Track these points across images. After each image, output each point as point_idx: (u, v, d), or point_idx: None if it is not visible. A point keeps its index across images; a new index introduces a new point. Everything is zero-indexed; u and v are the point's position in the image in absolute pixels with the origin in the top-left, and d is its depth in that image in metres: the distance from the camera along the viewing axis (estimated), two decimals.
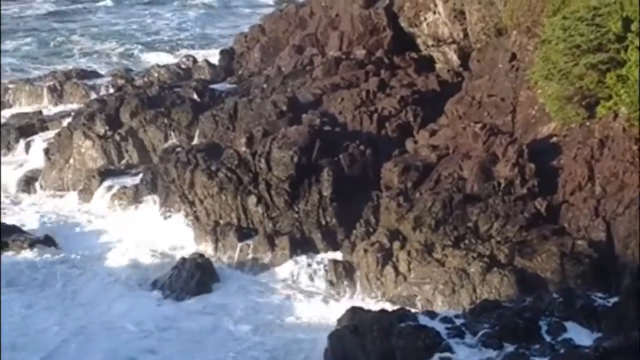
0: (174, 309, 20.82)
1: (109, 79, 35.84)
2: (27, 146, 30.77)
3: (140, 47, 47.28)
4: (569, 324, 16.89)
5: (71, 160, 28.94)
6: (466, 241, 20.11)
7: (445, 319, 17.35)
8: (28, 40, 48.88)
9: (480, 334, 16.58)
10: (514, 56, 24.00)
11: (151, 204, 25.60)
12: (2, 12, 54.07)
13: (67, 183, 28.61)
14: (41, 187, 28.64)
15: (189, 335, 19.68)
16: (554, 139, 21.81)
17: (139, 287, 22.12)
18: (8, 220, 25.44)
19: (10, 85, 36.21)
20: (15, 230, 24.44)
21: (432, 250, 20.22)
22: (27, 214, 26.83)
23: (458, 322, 17.27)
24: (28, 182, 28.76)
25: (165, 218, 24.69)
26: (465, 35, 27.42)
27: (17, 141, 30.93)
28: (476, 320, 17.18)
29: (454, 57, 27.79)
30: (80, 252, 24.05)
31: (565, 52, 20.29)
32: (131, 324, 20.18)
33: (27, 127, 31.66)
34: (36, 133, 31.35)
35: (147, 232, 25.05)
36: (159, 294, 21.57)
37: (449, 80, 27.02)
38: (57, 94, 34.71)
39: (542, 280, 18.89)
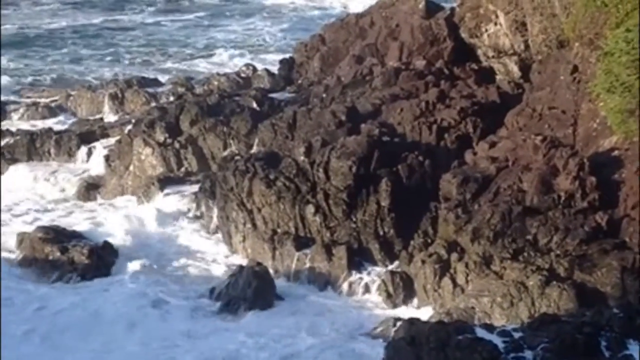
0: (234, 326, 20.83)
1: (170, 87, 36.11)
2: (88, 153, 31.05)
3: (201, 55, 47.72)
4: (629, 340, 16.64)
5: (131, 167, 29.16)
6: (525, 254, 19.94)
7: (503, 333, 17.14)
8: (86, 48, 49.58)
9: (538, 348, 16.37)
10: (575, 68, 23.75)
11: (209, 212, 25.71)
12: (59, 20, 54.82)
13: (126, 190, 28.83)
14: (101, 193, 28.92)
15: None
16: (616, 152, 21.52)
17: (198, 296, 22.22)
18: (68, 225, 25.70)
19: (72, 92, 36.63)
20: (75, 235, 24.67)
21: (491, 262, 20.08)
22: (87, 220, 27.06)
23: (516, 335, 17.05)
24: (88, 189, 29.03)
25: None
26: (527, 46, 27.23)
27: (78, 148, 31.21)
28: (534, 334, 16.95)
29: (514, 69, 27.61)
30: (139, 259, 24.30)
31: (627, 65, 20.01)
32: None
33: (88, 134, 31.94)
34: (97, 140, 31.61)
35: (205, 239, 25.34)
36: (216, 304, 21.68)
37: (510, 92, 26.84)
38: (118, 102, 34.99)
39: (602, 294, 18.67)
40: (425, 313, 20.36)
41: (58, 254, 23.49)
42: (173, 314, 21.49)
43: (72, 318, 21.14)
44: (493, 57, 28.38)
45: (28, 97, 38.02)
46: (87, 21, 57.56)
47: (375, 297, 21.39)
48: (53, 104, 36.12)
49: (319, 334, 20.23)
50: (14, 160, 31.11)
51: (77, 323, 20.90)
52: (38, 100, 36.98)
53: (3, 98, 37.54)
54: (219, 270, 23.70)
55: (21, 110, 35.70)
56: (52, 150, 31.31)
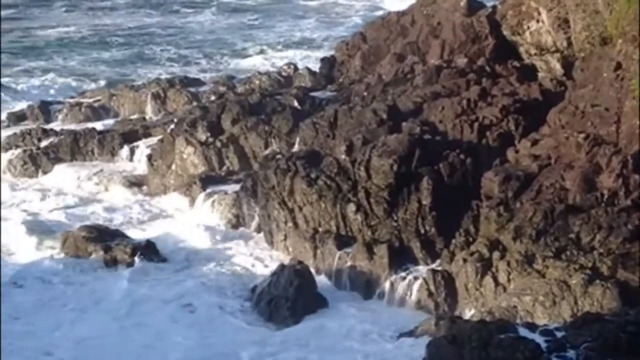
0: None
1: (211, 86, 36.24)
2: (131, 152, 31.27)
3: (241, 54, 47.96)
4: None
5: (173, 166, 29.31)
6: (568, 252, 19.80)
7: (546, 332, 17.05)
8: (130, 48, 49.98)
9: (581, 347, 16.25)
10: (619, 65, 23.51)
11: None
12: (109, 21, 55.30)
13: (169, 188, 28.99)
14: (144, 192, 29.11)
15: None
16: None
17: (237, 296, 22.30)
18: (111, 224, 25.89)
19: (115, 92, 36.88)
20: (118, 234, 24.84)
21: (533, 261, 19.95)
22: (129, 219, 27.25)
23: (559, 334, 16.95)
24: (131, 187, 29.24)
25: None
26: (569, 43, 27.02)
27: (121, 147, 31.44)
28: (577, 333, 16.83)
29: (557, 66, 27.41)
30: (180, 258, 24.44)
31: None
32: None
33: (131, 134, 32.18)
34: (140, 139, 31.83)
35: (245, 239, 25.45)
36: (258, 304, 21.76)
37: (552, 89, 26.62)
38: (161, 101, 35.19)
39: None
40: (466, 311, 20.32)
41: (101, 252, 23.65)
42: (213, 313, 21.60)
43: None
44: (535, 54, 28.19)
45: (72, 98, 38.35)
46: (131, 22, 58.04)
47: (416, 296, 21.30)
48: (96, 104, 36.36)
49: (362, 334, 20.26)
50: (58, 160, 31.39)
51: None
52: (81, 100, 37.25)
53: (49, 99, 38.01)
54: (261, 269, 23.74)
55: (65, 111, 35.99)
56: (96, 150, 31.56)
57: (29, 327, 20.84)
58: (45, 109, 36.22)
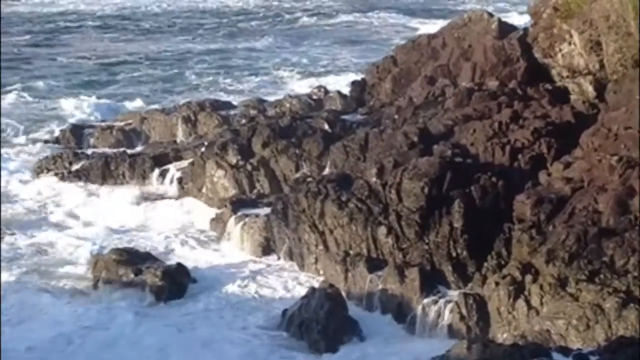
0: None
1: (242, 109, 36.30)
2: (162, 175, 31.34)
3: (273, 77, 48.21)
4: None
5: (204, 189, 29.36)
6: (601, 276, 19.59)
7: (579, 356, 16.93)
8: (160, 71, 50.40)
9: None
10: None
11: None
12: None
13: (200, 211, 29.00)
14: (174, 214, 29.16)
15: None
16: None
17: (271, 318, 22.24)
18: (142, 247, 25.91)
19: (146, 116, 37.03)
20: (148, 257, 24.84)
21: (566, 284, 19.76)
22: (160, 241, 27.27)
23: (593, 359, 16.83)
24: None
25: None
26: (602, 66, 26.88)
27: (152, 170, 31.50)
28: (611, 357, 16.69)
29: (589, 89, 27.26)
30: (210, 281, 24.42)
31: None
32: None
33: (162, 157, 32.24)
34: (170, 162, 31.89)
35: (276, 262, 25.39)
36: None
37: (584, 112, 26.47)
38: (191, 124, 35.27)
39: None
40: (499, 335, 20.14)
41: (132, 275, 23.64)
42: (245, 337, 21.54)
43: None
44: (567, 77, 28.06)
45: (103, 121, 38.57)
46: (161, 47, 58.59)
47: (448, 320, 21.15)
48: (127, 128, 36.52)
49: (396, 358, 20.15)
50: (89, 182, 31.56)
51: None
52: (113, 124, 37.43)
53: (81, 122, 38.30)
54: (292, 292, 23.67)
55: (96, 134, 36.18)
56: (127, 173, 31.63)
57: None
58: (77, 133, 36.43)
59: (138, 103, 42.07)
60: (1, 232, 27.14)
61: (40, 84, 46.86)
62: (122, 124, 37.10)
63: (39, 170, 32.50)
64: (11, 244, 26.73)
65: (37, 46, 59.91)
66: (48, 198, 30.77)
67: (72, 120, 39.21)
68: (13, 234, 27.39)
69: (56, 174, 31.96)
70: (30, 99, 43.76)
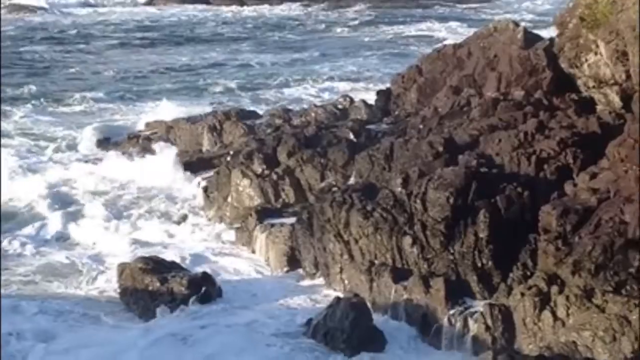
0: None
1: (267, 118, 36.39)
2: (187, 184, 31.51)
3: (298, 87, 48.42)
4: None
5: (229, 199, 29.44)
6: (628, 287, 19.50)
7: None
8: (185, 81, 50.74)
9: None
10: None
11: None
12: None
13: (224, 221, 29.11)
14: (199, 224, 29.24)
15: None
16: None
17: (296, 328, 22.24)
18: (167, 255, 25.99)
19: (172, 124, 37.18)
20: (174, 266, 24.91)
21: (592, 295, 19.68)
22: (185, 250, 27.36)
23: None
24: (186, 218, 29.43)
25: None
26: (628, 76, 26.74)
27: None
28: None
29: (615, 99, 27.15)
30: (236, 290, 24.47)
31: None
32: None
33: (187, 165, 32.38)
34: (196, 171, 32.04)
35: (300, 272, 25.42)
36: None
37: (610, 122, 26.36)
38: (217, 133, 35.38)
39: None
40: (524, 347, 20.08)
41: (158, 284, 23.71)
42: (270, 345, 21.57)
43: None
44: (593, 87, 27.94)
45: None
46: (189, 56, 59.01)
47: (473, 330, 21.11)
48: (153, 137, 36.69)
49: None
50: None
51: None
52: (139, 133, 37.62)
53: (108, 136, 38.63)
54: (317, 302, 23.69)
55: (123, 143, 36.41)
56: None
57: None
58: (104, 143, 36.72)
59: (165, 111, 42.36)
60: (1, 231, 27.28)
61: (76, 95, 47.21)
62: (148, 133, 37.28)
63: None
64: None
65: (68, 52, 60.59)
66: None
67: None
68: None
69: None
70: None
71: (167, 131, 36.62)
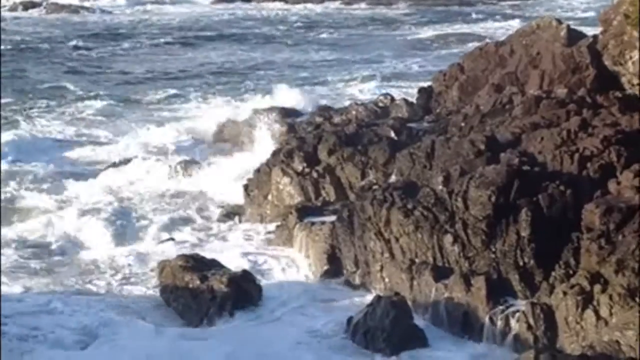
0: None
1: (308, 116, 36.37)
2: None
3: (340, 84, 48.41)
4: None
5: (269, 197, 29.43)
6: None
7: None
8: (225, 80, 51.06)
9: None
10: None
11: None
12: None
13: (265, 219, 29.10)
14: (241, 221, 29.27)
15: None
16: None
17: (336, 326, 22.17)
18: (207, 253, 26.00)
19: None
20: (214, 264, 24.90)
21: (635, 294, 19.44)
22: (227, 249, 27.38)
23: None
24: (228, 216, 29.48)
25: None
26: None
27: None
28: None
29: None
30: (276, 288, 24.45)
31: None
32: None
33: None
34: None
35: (341, 270, 25.35)
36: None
37: None
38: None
39: None
40: (567, 346, 19.90)
41: (198, 282, 23.72)
42: (310, 344, 21.55)
43: None
44: (638, 84, 27.66)
45: None
46: (230, 56, 59.33)
47: (515, 329, 20.94)
48: None
49: None
50: None
51: None
52: None
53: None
54: (358, 300, 23.60)
55: None
56: None
57: None
58: None
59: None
60: (0, 230, 27.50)
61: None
62: None
63: None
64: None
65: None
66: None
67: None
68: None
69: None
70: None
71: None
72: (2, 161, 35.13)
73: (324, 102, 40.75)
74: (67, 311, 23.08)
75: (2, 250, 26.52)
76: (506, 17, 77.30)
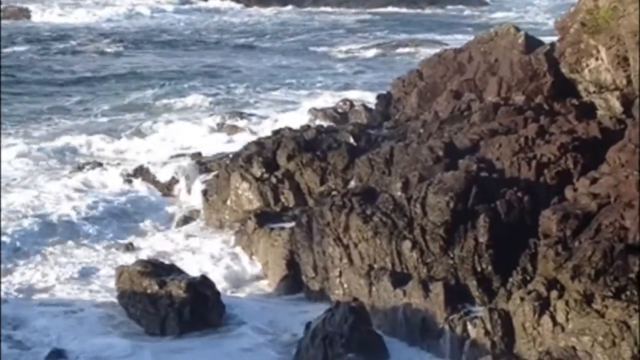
0: None
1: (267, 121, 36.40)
2: (188, 187, 31.50)
3: (297, 91, 48.35)
4: None
5: (228, 202, 29.37)
6: (627, 292, 19.42)
7: None
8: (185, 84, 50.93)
9: None
10: None
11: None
12: None
13: (224, 224, 29.05)
14: (199, 227, 29.21)
15: None
16: None
17: (295, 333, 22.21)
18: (166, 259, 25.91)
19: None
20: (173, 269, 24.78)
21: (592, 300, 19.62)
22: (184, 254, 27.30)
23: None
24: (186, 222, 29.40)
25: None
26: (629, 81, 26.73)
27: (177, 182, 31.64)
28: None
29: (616, 104, 27.12)
30: (233, 294, 24.46)
31: None
32: None
33: None
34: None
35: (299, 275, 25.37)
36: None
37: (611, 128, 26.30)
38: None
39: None
40: (524, 352, 20.02)
41: (156, 287, 23.60)
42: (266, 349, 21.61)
43: None
44: (594, 92, 27.92)
45: None
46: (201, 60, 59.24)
47: (473, 335, 21.02)
48: None
49: None
50: None
51: None
52: None
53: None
54: (315, 306, 23.61)
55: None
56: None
57: None
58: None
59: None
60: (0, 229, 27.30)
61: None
62: None
63: None
64: None
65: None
66: None
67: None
68: None
69: None
70: None
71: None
72: None
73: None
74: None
75: None
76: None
